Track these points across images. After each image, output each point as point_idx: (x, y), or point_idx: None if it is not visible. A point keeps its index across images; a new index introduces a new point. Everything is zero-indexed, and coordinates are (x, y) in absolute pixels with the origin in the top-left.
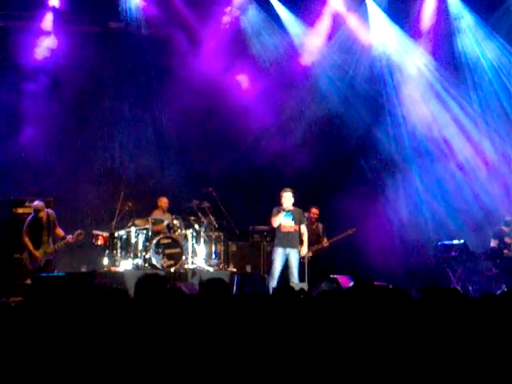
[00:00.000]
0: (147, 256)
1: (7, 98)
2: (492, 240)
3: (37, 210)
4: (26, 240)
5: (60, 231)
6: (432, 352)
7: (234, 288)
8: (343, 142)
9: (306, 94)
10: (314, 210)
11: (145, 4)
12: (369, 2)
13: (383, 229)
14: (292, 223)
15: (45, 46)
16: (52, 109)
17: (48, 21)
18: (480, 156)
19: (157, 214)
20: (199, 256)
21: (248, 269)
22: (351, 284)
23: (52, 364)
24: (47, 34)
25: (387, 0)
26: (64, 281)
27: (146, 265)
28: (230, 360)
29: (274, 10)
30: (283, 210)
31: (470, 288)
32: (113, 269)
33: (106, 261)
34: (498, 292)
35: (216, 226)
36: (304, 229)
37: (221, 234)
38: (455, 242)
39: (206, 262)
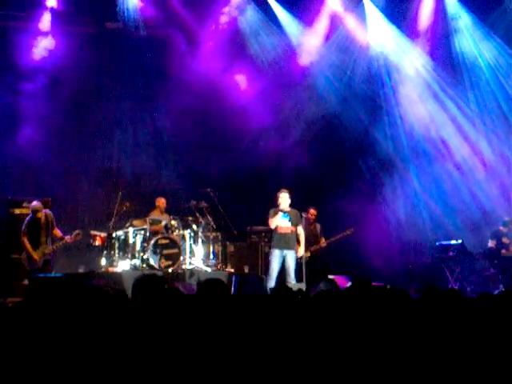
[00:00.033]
0: (145, 256)
1: (5, 98)
2: (490, 240)
3: (35, 211)
4: (25, 241)
5: (58, 232)
6: (430, 352)
7: (232, 288)
8: (341, 142)
9: (303, 94)
10: (312, 211)
11: (142, 5)
12: (366, 2)
13: (381, 229)
14: (289, 224)
15: (42, 46)
16: (50, 109)
17: (46, 21)
18: (478, 156)
19: (155, 215)
20: (197, 256)
21: (246, 269)
22: (349, 284)
23: (49, 365)
24: (45, 34)
25: (385, 0)
26: (61, 281)
27: (144, 265)
28: (229, 360)
29: (272, 11)
30: (280, 211)
31: (468, 288)
32: (110, 269)
33: (103, 261)
34: (496, 292)
35: (214, 226)
36: (301, 230)
37: (219, 234)
38: (453, 242)
39: (203, 263)
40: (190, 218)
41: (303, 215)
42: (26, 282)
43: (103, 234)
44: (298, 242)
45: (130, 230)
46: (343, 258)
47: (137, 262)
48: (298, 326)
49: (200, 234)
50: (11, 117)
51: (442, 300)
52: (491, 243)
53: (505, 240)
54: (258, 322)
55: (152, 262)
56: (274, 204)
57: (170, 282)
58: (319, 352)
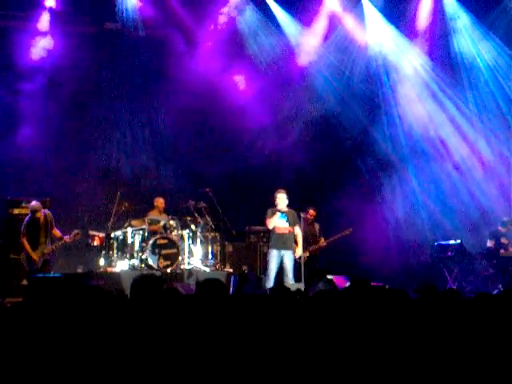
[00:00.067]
0: (144, 256)
1: (4, 98)
2: (488, 240)
3: (34, 211)
4: (24, 241)
5: (57, 231)
6: (429, 351)
7: (231, 288)
8: (340, 142)
9: (302, 94)
10: (311, 211)
11: (141, 5)
12: (365, 2)
13: (380, 229)
14: (286, 225)
15: (41, 46)
16: (49, 109)
17: (44, 21)
18: (476, 156)
19: (153, 215)
20: (196, 256)
21: (244, 269)
22: (347, 284)
23: (48, 365)
24: (44, 34)
25: (383, 0)
26: (60, 282)
27: (143, 265)
28: (227, 360)
29: (271, 11)
30: (278, 212)
31: (467, 288)
32: (109, 269)
33: (102, 261)
34: (495, 292)
35: (212, 226)
36: (298, 230)
37: (217, 234)
38: (451, 242)
39: (202, 263)
40: (189, 218)
41: (302, 215)
42: (24, 282)
43: (102, 234)
44: (296, 243)
45: (129, 230)
46: (342, 258)
47: (135, 262)
48: (297, 325)
49: (199, 234)
50: (10, 116)
51: (441, 300)
52: (490, 243)
53: (503, 240)
54: (257, 322)
55: (150, 262)
56: (272, 204)
57: (168, 282)
58: (318, 352)
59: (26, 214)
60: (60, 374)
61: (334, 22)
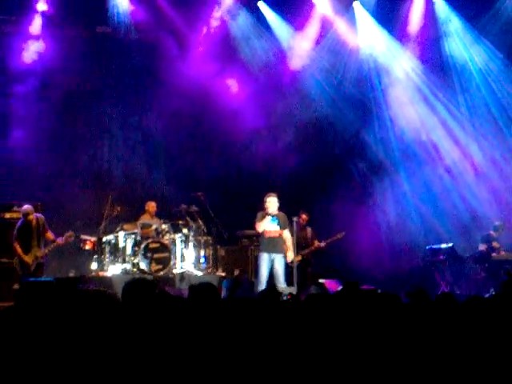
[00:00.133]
0: (136, 261)
1: None
2: (480, 244)
3: (26, 214)
4: (16, 245)
5: (51, 234)
6: (421, 355)
7: (223, 292)
8: (332, 146)
9: (294, 97)
10: (304, 216)
11: (133, 9)
12: (356, 5)
13: (372, 232)
14: (277, 228)
15: (33, 49)
16: (40, 112)
17: (37, 25)
18: (468, 160)
19: (145, 219)
20: (188, 260)
21: (236, 273)
22: (339, 288)
23: (39, 369)
24: (36, 37)
25: (375, 4)
26: (52, 286)
27: (135, 269)
28: (219, 363)
29: (263, 15)
30: (268, 215)
31: (458, 292)
32: (101, 273)
33: (94, 265)
34: (487, 295)
35: (205, 230)
36: (288, 234)
37: (209, 238)
38: (443, 245)
39: (194, 267)
40: (181, 222)
41: (294, 219)
42: (16, 286)
43: (94, 238)
44: (287, 246)
45: (121, 234)
46: (334, 262)
47: (127, 266)
48: (289, 329)
49: (191, 237)
50: (1, 120)
51: (433, 303)
52: (482, 247)
53: (495, 244)
54: (249, 326)
55: (143, 266)
56: (262, 208)
57: (160, 286)
58: (310, 355)
59: (18, 218)
60: (52, 378)
61: (325, 26)
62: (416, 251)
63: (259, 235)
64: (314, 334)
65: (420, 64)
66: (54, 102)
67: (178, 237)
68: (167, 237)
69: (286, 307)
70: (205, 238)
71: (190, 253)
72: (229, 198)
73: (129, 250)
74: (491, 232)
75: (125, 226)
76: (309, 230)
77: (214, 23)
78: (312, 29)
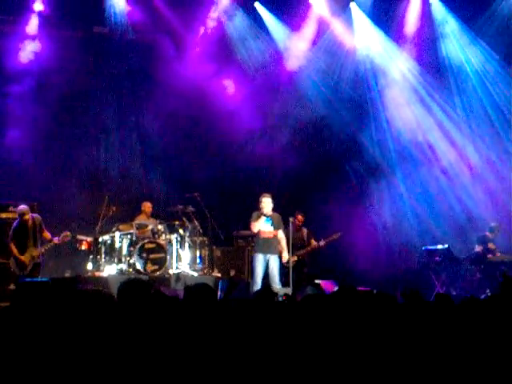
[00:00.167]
0: (131, 261)
1: None
2: (476, 245)
3: (21, 214)
4: (11, 246)
5: (48, 234)
6: (417, 356)
7: (219, 293)
8: (328, 147)
9: (291, 98)
10: (300, 217)
11: (130, 9)
12: (353, 6)
13: (368, 233)
14: (271, 229)
15: (30, 49)
16: (37, 112)
17: (33, 25)
18: (464, 161)
19: (141, 219)
20: (184, 261)
21: (232, 274)
22: (335, 289)
23: (35, 369)
24: (32, 37)
25: (371, 5)
26: (48, 286)
27: (131, 270)
28: (216, 364)
29: (259, 15)
30: (263, 216)
31: (454, 293)
32: (97, 274)
33: (90, 266)
34: (483, 296)
35: (201, 230)
36: (282, 234)
37: (205, 238)
38: (439, 246)
39: (190, 267)
40: (177, 223)
41: (290, 220)
42: (12, 286)
43: (89, 239)
44: (281, 247)
45: (117, 234)
46: (330, 263)
47: (123, 266)
48: (285, 330)
49: (187, 238)
50: None
51: (429, 304)
52: (478, 248)
53: (491, 245)
54: (245, 327)
55: (138, 266)
56: (257, 208)
57: (156, 286)
58: (306, 355)
59: (14, 218)
60: (48, 378)
61: (322, 27)
62: (412, 252)
63: (254, 236)
64: (309, 335)
65: (416, 65)
66: (51, 102)
67: (173, 237)
68: (163, 237)
69: (282, 308)
70: (201, 238)
71: (186, 253)
72: (225, 198)
73: (125, 251)
74: (487, 233)
75: (121, 227)
76: (305, 230)
77: (211, 24)
78: (308, 29)
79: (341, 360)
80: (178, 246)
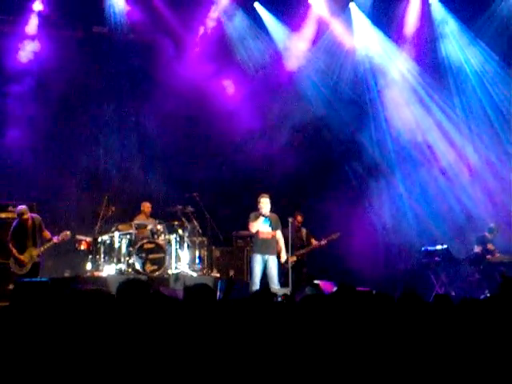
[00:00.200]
0: (130, 261)
1: None
2: (475, 246)
3: (20, 214)
4: (10, 246)
5: (47, 234)
6: (417, 356)
7: (218, 293)
8: (327, 147)
9: (290, 99)
10: (299, 217)
11: (129, 9)
12: (352, 7)
13: (367, 234)
14: (269, 229)
15: (29, 49)
16: (36, 112)
17: (33, 25)
18: (463, 161)
19: (140, 219)
20: (183, 261)
21: (231, 274)
22: (334, 289)
23: (33, 369)
24: (32, 37)
25: (371, 5)
26: (47, 286)
27: (130, 270)
28: (215, 364)
29: (259, 16)
30: (261, 216)
31: (453, 293)
32: (96, 274)
33: (89, 266)
34: (482, 297)
35: (200, 231)
36: (280, 234)
37: (204, 239)
38: (438, 247)
39: (189, 267)
40: (176, 223)
41: (290, 220)
42: (11, 286)
43: (89, 239)
44: (279, 247)
45: (116, 234)
46: (329, 263)
47: (122, 266)
48: (285, 330)
49: (186, 238)
50: None
51: (429, 305)
52: (477, 249)
53: (490, 246)
54: (244, 327)
55: (137, 266)
56: (255, 209)
57: (155, 286)
58: (305, 356)
59: (14, 218)
60: (47, 378)
61: (321, 27)
62: (411, 252)
63: (253, 236)
64: (308, 335)
65: (416, 65)
66: (50, 101)
67: (173, 237)
68: (162, 237)
69: (281, 308)
70: (200, 238)
71: (185, 253)
72: (224, 198)
73: (124, 251)
74: (486, 234)
75: (120, 227)
76: (304, 230)
77: (210, 24)
78: (308, 30)
79: (340, 360)
80: (177, 246)
